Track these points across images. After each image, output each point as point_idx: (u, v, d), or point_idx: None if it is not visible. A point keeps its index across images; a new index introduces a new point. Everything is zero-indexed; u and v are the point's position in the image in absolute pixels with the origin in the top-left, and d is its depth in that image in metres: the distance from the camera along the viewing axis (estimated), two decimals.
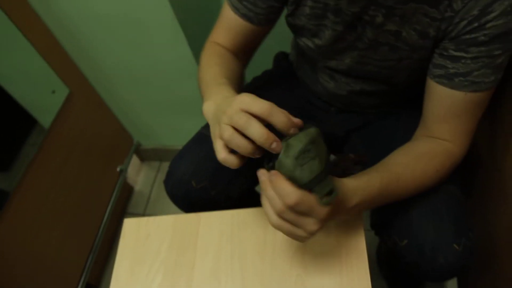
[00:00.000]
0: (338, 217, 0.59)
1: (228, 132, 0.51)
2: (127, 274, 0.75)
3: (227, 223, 0.77)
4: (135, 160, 1.79)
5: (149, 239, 0.78)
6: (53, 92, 1.29)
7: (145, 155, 1.84)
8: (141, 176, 1.83)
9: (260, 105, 0.51)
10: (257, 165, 0.56)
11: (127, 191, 1.75)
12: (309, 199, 0.50)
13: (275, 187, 0.51)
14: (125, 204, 1.73)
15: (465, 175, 1.04)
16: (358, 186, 0.58)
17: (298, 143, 0.51)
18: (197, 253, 0.75)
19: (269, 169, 0.54)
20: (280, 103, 0.91)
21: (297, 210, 0.51)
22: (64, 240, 1.32)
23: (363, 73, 0.78)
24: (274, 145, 0.50)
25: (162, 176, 1.78)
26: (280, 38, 1.02)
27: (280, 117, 0.51)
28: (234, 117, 0.51)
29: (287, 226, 0.53)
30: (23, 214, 1.15)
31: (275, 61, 1.08)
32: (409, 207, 0.71)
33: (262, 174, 0.53)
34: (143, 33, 1.18)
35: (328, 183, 0.52)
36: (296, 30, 0.79)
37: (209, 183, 0.83)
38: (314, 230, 0.52)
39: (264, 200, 0.54)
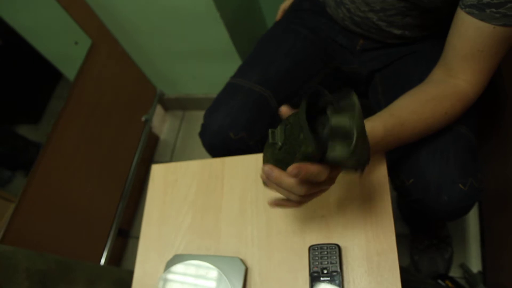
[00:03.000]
0: None
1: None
2: (157, 217, 0.79)
3: (251, 166, 0.79)
4: (159, 109, 1.82)
5: (177, 184, 0.81)
6: (76, 43, 1.30)
7: (168, 105, 1.86)
8: (166, 125, 1.87)
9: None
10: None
11: (153, 140, 1.79)
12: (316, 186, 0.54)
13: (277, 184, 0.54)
14: (151, 153, 1.78)
15: (488, 114, 1.03)
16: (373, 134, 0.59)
17: (360, 121, 0.46)
18: (223, 196, 0.78)
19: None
20: (304, 47, 0.92)
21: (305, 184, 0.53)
22: (95, 189, 1.38)
23: None
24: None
25: (186, 125, 1.81)
26: None
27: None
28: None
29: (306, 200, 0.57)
30: (55, 164, 1.21)
31: (296, 2, 1.04)
32: (417, 148, 0.71)
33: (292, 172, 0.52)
34: None
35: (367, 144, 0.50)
36: None
37: (246, 134, 0.84)
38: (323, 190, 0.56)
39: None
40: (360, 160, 0.48)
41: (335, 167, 0.53)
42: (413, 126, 0.64)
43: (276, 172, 0.53)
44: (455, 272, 1.22)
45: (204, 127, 0.88)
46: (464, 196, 0.70)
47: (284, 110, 0.57)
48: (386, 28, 0.83)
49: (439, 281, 1.14)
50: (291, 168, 0.49)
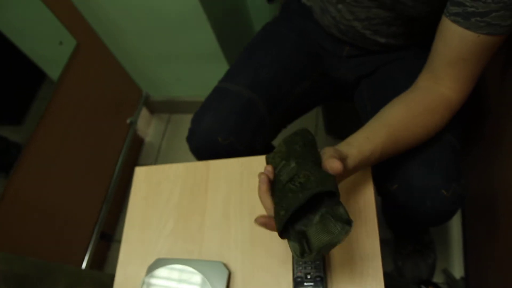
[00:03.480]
0: None
1: None
2: (140, 220, 0.78)
3: (236, 170, 0.78)
4: (144, 112, 1.81)
5: (160, 186, 0.80)
6: (61, 43, 1.28)
7: (154, 107, 1.84)
8: (151, 128, 1.85)
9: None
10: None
11: (138, 143, 1.78)
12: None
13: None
14: (136, 156, 1.77)
15: (473, 121, 1.04)
16: (361, 160, 0.60)
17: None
18: (207, 199, 0.77)
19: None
20: (292, 51, 0.92)
21: None
22: (78, 191, 1.36)
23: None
24: None
25: (171, 128, 1.79)
26: None
27: None
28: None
29: None
30: (37, 166, 1.18)
31: (284, 4, 1.04)
32: (402, 154, 0.72)
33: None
34: None
35: (339, 206, 0.52)
36: None
37: (235, 138, 0.83)
38: None
39: None
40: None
41: None
42: (407, 141, 0.66)
43: (264, 186, 0.55)
44: (438, 278, 1.23)
45: (191, 131, 0.87)
46: (447, 202, 0.71)
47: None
48: (371, 36, 0.84)
49: (422, 286, 1.14)
50: (260, 216, 0.54)
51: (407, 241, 1.23)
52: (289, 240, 0.52)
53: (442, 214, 0.73)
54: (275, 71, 0.89)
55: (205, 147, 0.85)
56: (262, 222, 0.55)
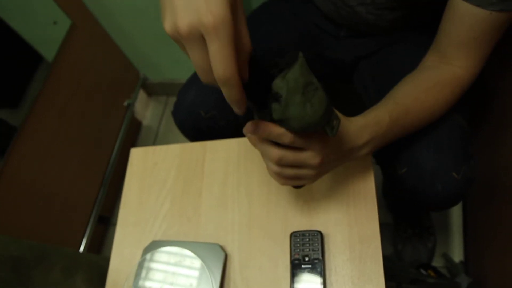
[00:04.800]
0: (348, 160, 0.58)
1: None
2: (135, 202, 0.77)
3: (233, 151, 0.77)
4: (142, 95, 1.78)
5: (156, 168, 0.79)
6: (55, 23, 1.25)
7: (152, 90, 1.82)
8: (149, 111, 1.83)
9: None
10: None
11: (136, 125, 1.76)
12: (294, 152, 0.50)
13: (272, 134, 0.48)
14: (134, 139, 1.75)
15: (477, 104, 1.02)
16: (367, 123, 0.57)
17: (297, 75, 0.43)
18: (204, 181, 0.75)
19: (264, 116, 0.47)
20: (286, 30, 0.89)
21: (286, 164, 0.51)
22: (75, 175, 1.34)
23: None
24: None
25: (169, 110, 1.77)
26: None
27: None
28: None
29: (291, 159, 0.52)
30: (33, 149, 1.17)
31: None
32: (411, 136, 0.70)
33: (247, 130, 0.48)
34: None
35: (333, 112, 0.49)
36: None
37: (217, 112, 0.82)
38: (315, 163, 0.52)
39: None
40: (311, 117, 0.45)
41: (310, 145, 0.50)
42: (418, 114, 0.63)
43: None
44: (437, 262, 1.23)
45: (175, 105, 0.87)
46: (458, 185, 0.69)
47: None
48: (374, 22, 0.81)
49: (421, 270, 1.14)
50: (249, 123, 0.47)
51: (407, 224, 1.22)
52: (272, 109, 0.45)
53: (452, 198, 0.71)
54: (262, 49, 0.87)
55: (188, 120, 0.84)
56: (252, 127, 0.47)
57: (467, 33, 0.62)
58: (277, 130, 0.47)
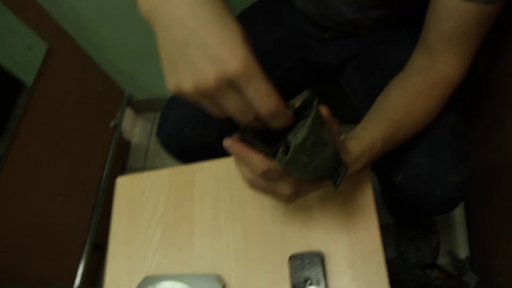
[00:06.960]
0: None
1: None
2: (125, 235, 0.73)
3: (223, 171, 0.73)
4: (129, 113, 1.74)
5: (144, 196, 0.75)
6: (30, 49, 1.21)
7: (139, 107, 1.78)
8: (137, 128, 1.79)
9: None
10: None
11: (124, 146, 1.71)
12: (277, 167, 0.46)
13: (243, 159, 0.46)
14: (124, 159, 1.71)
15: (474, 96, 1.00)
16: (363, 151, 0.54)
17: (306, 135, 0.42)
18: (195, 204, 0.72)
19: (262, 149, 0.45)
20: (269, 35, 0.86)
21: (267, 177, 0.48)
22: (65, 202, 1.30)
23: None
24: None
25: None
26: None
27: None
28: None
29: (262, 187, 0.50)
30: (19, 178, 1.13)
31: None
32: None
33: (228, 145, 0.46)
34: None
35: (340, 163, 0.48)
36: None
37: (202, 131, 0.80)
38: (287, 194, 0.49)
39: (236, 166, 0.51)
40: (311, 175, 0.45)
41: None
42: (409, 126, 0.61)
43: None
44: (442, 259, 1.20)
45: (159, 126, 0.84)
46: (456, 188, 0.66)
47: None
48: (359, 21, 0.79)
49: (428, 270, 1.11)
50: (225, 141, 0.45)
51: (408, 226, 1.19)
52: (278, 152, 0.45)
53: (451, 202, 0.68)
54: None
55: (173, 141, 0.82)
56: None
57: (454, 28, 0.59)
58: (250, 158, 0.44)
